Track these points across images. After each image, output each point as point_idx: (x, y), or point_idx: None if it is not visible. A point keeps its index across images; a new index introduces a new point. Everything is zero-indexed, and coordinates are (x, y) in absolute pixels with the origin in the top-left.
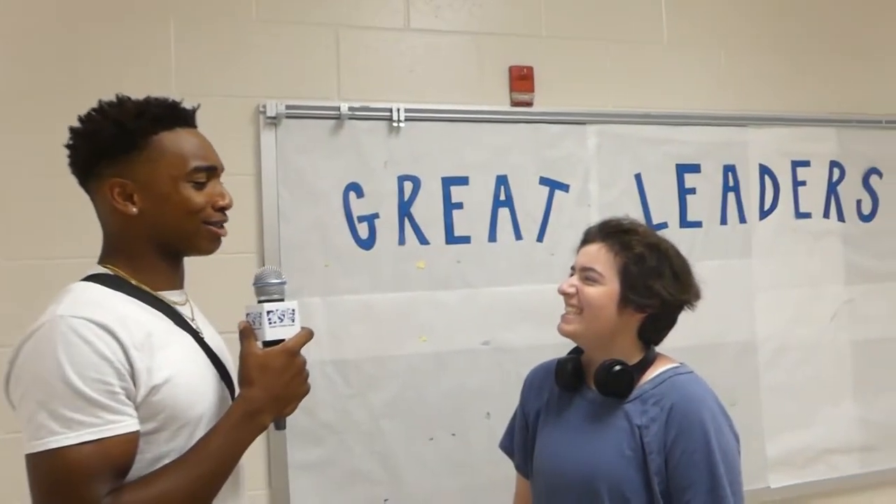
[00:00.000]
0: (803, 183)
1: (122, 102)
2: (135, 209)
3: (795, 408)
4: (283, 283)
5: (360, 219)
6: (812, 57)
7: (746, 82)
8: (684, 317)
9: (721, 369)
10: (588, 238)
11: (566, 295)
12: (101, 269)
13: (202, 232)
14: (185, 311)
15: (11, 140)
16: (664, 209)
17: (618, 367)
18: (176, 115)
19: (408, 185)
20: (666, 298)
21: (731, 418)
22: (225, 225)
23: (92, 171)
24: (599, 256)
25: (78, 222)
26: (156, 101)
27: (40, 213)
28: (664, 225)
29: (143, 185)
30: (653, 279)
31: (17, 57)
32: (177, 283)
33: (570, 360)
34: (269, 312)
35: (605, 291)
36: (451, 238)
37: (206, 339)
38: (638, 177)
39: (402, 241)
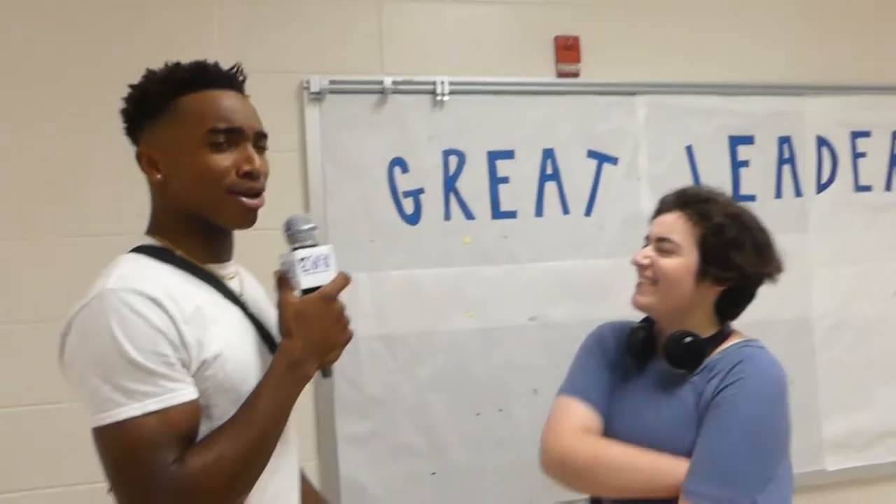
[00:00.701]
0: (863, 154)
1: (156, 70)
2: (159, 176)
3: (853, 388)
4: (313, 228)
5: (406, 194)
6: (872, 22)
7: (803, 49)
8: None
9: (775, 347)
10: (664, 207)
11: (640, 266)
12: (148, 240)
13: (226, 201)
14: (233, 284)
15: (52, 117)
16: (716, 182)
17: (688, 340)
18: (206, 77)
19: (453, 160)
20: (746, 271)
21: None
22: (262, 196)
23: (133, 139)
24: (676, 226)
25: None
26: (185, 66)
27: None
28: None
29: (164, 150)
30: (733, 251)
31: (59, 33)
32: (223, 255)
33: (643, 329)
34: (301, 260)
35: (682, 263)
36: (496, 213)
37: (256, 312)
38: (689, 149)
39: (447, 217)
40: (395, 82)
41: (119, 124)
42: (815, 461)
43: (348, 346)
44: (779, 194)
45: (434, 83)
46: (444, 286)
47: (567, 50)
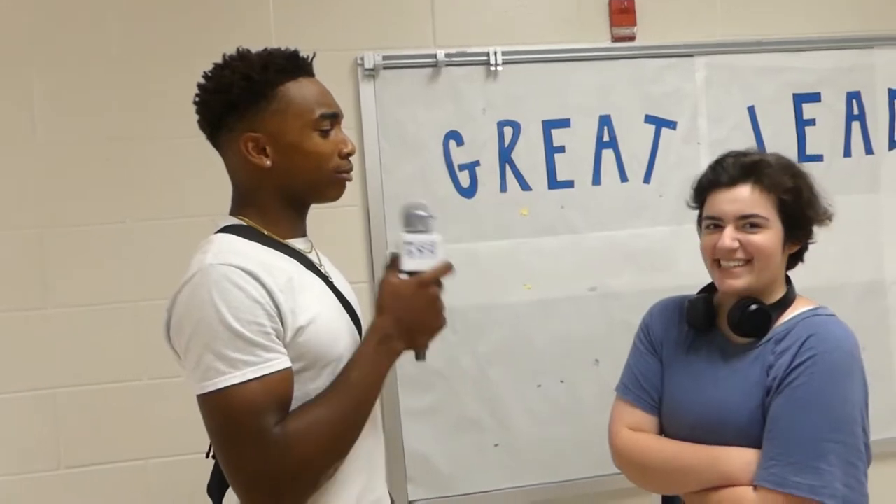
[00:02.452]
0: None
1: (245, 56)
2: (268, 161)
3: None
4: (426, 217)
5: (461, 167)
6: None
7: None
8: (806, 255)
9: (846, 311)
10: (725, 181)
11: (729, 251)
12: (234, 220)
13: (332, 180)
14: (312, 257)
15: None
16: (781, 143)
17: (754, 307)
18: (297, 65)
19: (508, 131)
20: (819, 222)
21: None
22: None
23: (222, 125)
24: (756, 199)
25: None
26: (277, 52)
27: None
28: None
29: (273, 136)
30: (809, 209)
31: (124, 15)
32: (302, 231)
33: (702, 300)
34: (408, 243)
35: (773, 235)
36: (553, 183)
37: (336, 284)
38: (751, 109)
39: (503, 189)
40: (448, 55)
41: (186, 106)
42: (889, 427)
43: None
44: (847, 153)
45: (487, 54)
46: (502, 259)
47: (622, 13)
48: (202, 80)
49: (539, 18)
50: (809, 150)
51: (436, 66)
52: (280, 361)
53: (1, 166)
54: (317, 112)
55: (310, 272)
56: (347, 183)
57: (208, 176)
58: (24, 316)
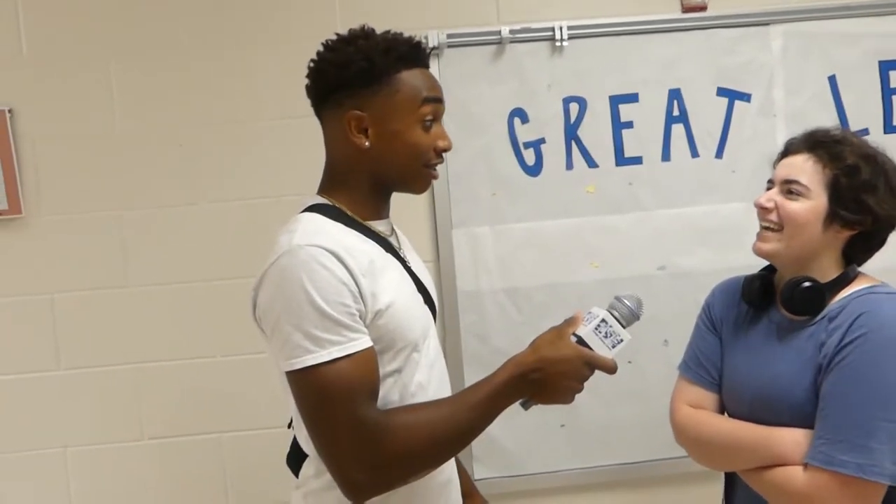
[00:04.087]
0: None
1: (369, 36)
2: (367, 143)
3: None
4: (632, 313)
5: (526, 145)
6: None
7: None
8: (892, 234)
9: None
10: (791, 149)
11: (763, 209)
12: (321, 200)
13: (421, 173)
14: (392, 241)
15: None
16: (864, 114)
17: (806, 284)
18: (417, 55)
19: (573, 107)
20: (879, 214)
21: None
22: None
23: (330, 98)
24: (806, 168)
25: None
26: (401, 39)
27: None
28: (865, 131)
29: (378, 120)
30: (866, 193)
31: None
32: (384, 214)
33: (759, 277)
34: (602, 321)
35: (811, 206)
36: (621, 160)
37: (413, 267)
38: (832, 79)
39: (569, 166)
40: (512, 31)
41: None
42: None
43: (474, 301)
44: None
45: (552, 29)
46: (568, 237)
47: None
48: (322, 49)
49: None
50: None
51: (500, 43)
52: (364, 341)
53: (84, 153)
54: (423, 105)
55: (390, 255)
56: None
57: (272, 159)
58: (107, 294)
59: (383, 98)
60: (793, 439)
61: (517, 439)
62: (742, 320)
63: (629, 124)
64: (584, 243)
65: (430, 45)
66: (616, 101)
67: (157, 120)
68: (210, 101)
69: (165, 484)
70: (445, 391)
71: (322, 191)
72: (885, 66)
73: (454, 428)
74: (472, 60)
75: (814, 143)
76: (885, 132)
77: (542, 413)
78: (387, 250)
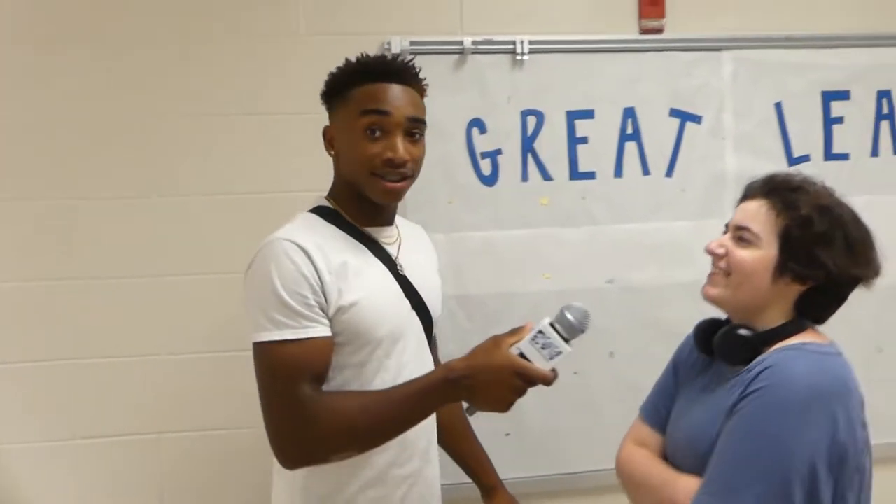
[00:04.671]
0: None
1: (349, 61)
2: (333, 152)
3: None
4: (574, 328)
5: (484, 155)
6: None
7: None
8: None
9: (867, 313)
10: (748, 193)
11: (714, 255)
12: (324, 202)
13: (369, 181)
14: (391, 247)
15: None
16: (807, 141)
17: (738, 332)
18: (379, 70)
19: (531, 120)
20: (832, 270)
21: (854, 423)
22: (407, 178)
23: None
24: (759, 215)
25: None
26: (364, 59)
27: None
28: (806, 158)
29: (337, 132)
30: (819, 247)
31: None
32: (381, 220)
33: (711, 323)
34: (539, 332)
35: (760, 256)
36: (575, 174)
37: (409, 274)
38: (778, 106)
39: (525, 178)
40: (474, 42)
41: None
42: None
43: None
44: (875, 152)
45: (514, 43)
46: (521, 248)
47: (651, 5)
48: None
49: (567, 8)
50: (836, 149)
51: (462, 53)
52: (317, 330)
53: (33, 141)
54: (361, 116)
55: (376, 259)
56: (402, 190)
57: (231, 154)
58: (46, 286)
59: (339, 113)
60: (686, 486)
61: None
62: (697, 365)
63: (584, 139)
64: (537, 254)
65: (393, 50)
66: (573, 116)
67: (113, 109)
68: (171, 92)
69: (98, 486)
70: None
71: (329, 195)
72: (827, 97)
73: (375, 419)
74: (433, 68)
75: (770, 188)
76: (825, 159)
77: (489, 421)
78: (377, 255)
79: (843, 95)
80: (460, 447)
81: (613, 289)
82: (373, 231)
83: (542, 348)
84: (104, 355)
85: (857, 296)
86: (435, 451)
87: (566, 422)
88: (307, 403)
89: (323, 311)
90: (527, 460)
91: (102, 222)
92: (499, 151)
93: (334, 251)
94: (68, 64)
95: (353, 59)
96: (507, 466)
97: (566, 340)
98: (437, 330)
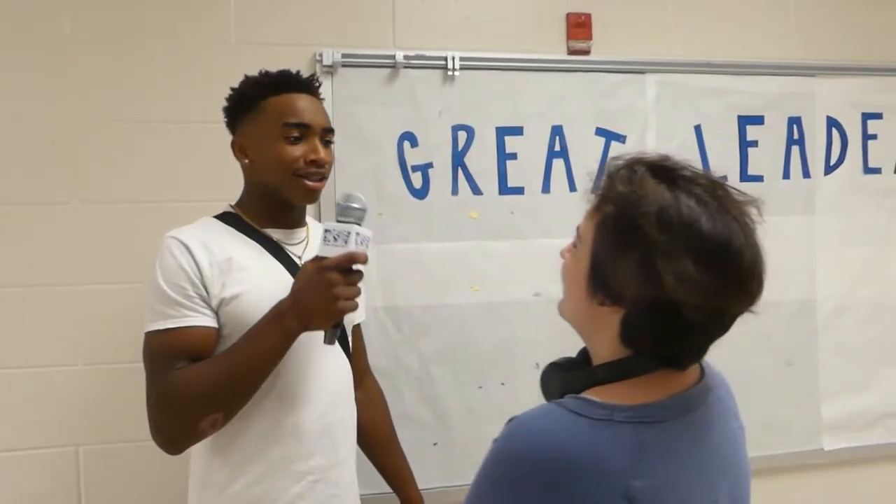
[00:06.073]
0: (874, 136)
1: (250, 77)
2: (247, 160)
3: (854, 370)
4: (353, 208)
5: (414, 168)
6: (887, 2)
7: (816, 29)
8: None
9: (778, 328)
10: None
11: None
12: (227, 209)
13: (292, 183)
14: (295, 246)
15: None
16: (724, 162)
17: (546, 368)
18: (285, 82)
19: (462, 135)
20: (635, 295)
21: (553, 486)
22: (324, 180)
23: (231, 130)
24: (590, 210)
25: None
26: (274, 73)
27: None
28: (723, 179)
29: (251, 140)
30: (614, 260)
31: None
32: (285, 222)
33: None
34: (326, 231)
35: (578, 263)
36: (504, 189)
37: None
38: (697, 128)
39: (455, 192)
40: (406, 56)
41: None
42: (812, 441)
43: None
44: (787, 175)
45: (445, 58)
46: (450, 260)
47: (579, 27)
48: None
49: (498, 27)
50: (751, 171)
51: (394, 66)
52: (196, 319)
53: None
54: (283, 121)
55: (270, 256)
56: (320, 190)
57: (151, 162)
58: None
59: (253, 122)
60: None
61: None
62: None
63: (514, 156)
64: (465, 267)
65: (325, 62)
66: (502, 132)
67: (29, 113)
68: (89, 97)
69: (13, 500)
70: (309, 387)
71: (236, 203)
72: (742, 121)
73: (225, 375)
74: (365, 81)
75: (607, 173)
76: (741, 180)
77: (417, 431)
78: (273, 253)
79: (758, 120)
80: (384, 458)
81: (540, 301)
82: (275, 232)
83: (335, 240)
84: (18, 365)
85: (769, 311)
86: (349, 453)
87: (493, 431)
88: (168, 379)
89: (205, 302)
90: (454, 469)
91: (20, 228)
92: (430, 165)
93: (220, 248)
94: None
95: (257, 74)
96: (435, 475)
97: (348, 223)
98: (366, 338)
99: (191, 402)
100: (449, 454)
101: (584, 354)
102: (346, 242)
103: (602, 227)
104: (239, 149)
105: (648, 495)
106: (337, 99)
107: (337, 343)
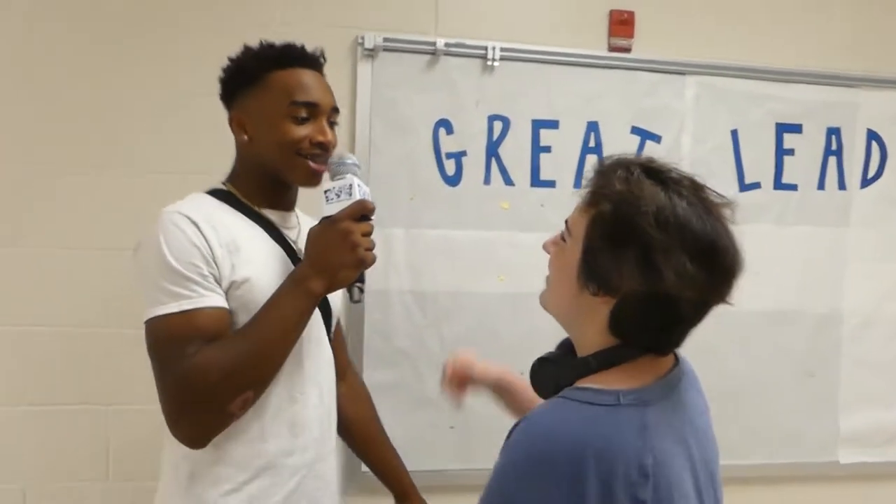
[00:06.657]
0: None
1: (250, 48)
2: (246, 137)
3: (877, 385)
4: (346, 164)
5: (448, 155)
6: None
7: (862, 39)
8: (768, 280)
9: (801, 337)
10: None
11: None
12: (219, 186)
13: (295, 163)
14: (289, 230)
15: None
16: (759, 169)
17: (543, 357)
18: (292, 56)
19: (497, 125)
20: (631, 288)
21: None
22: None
23: (227, 104)
24: (581, 205)
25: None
26: (278, 45)
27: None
28: (756, 185)
29: (253, 116)
30: (609, 254)
31: None
32: (281, 204)
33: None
34: (326, 192)
35: (567, 257)
36: (536, 181)
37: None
38: (734, 133)
39: (487, 181)
40: (447, 44)
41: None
42: (828, 453)
43: (381, 299)
44: (821, 186)
45: (486, 48)
46: (478, 248)
47: (621, 24)
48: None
49: (540, 20)
50: (786, 179)
51: (434, 53)
52: (212, 299)
53: None
54: (291, 99)
55: (271, 239)
56: (322, 173)
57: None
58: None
59: (255, 97)
60: None
61: (407, 436)
62: None
63: (547, 149)
64: (493, 256)
65: (366, 45)
66: (538, 125)
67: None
68: (105, 65)
69: (42, 454)
70: (304, 379)
71: (226, 179)
72: (780, 128)
73: (254, 348)
74: (405, 66)
75: (598, 170)
76: (775, 188)
77: (435, 414)
78: (272, 235)
79: (796, 129)
80: (375, 454)
81: None
82: (271, 214)
83: (338, 196)
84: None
85: (795, 318)
86: (332, 445)
87: (508, 419)
88: (190, 361)
89: (217, 282)
90: (467, 453)
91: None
92: (464, 153)
93: (223, 227)
94: None
95: (258, 46)
96: (448, 458)
97: (347, 177)
98: (388, 323)
99: (220, 382)
100: (464, 438)
101: (564, 347)
102: (350, 195)
103: (596, 222)
104: (237, 124)
105: (657, 471)
106: (376, 82)
107: (324, 336)
